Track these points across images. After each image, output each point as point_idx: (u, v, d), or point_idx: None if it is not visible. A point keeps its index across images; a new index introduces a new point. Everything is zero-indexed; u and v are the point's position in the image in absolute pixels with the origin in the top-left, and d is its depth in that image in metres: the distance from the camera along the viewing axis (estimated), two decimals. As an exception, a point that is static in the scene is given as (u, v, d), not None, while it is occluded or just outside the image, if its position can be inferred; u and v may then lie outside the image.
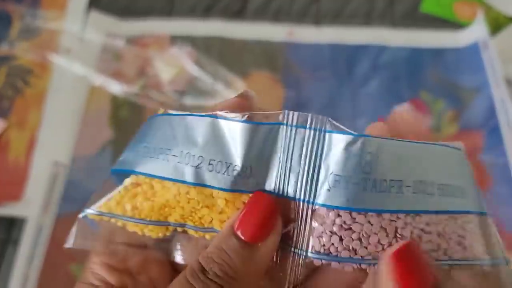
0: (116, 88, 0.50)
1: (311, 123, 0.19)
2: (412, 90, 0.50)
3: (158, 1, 0.56)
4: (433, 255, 0.18)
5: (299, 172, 0.18)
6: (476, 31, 0.52)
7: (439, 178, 0.18)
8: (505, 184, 0.44)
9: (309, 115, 0.19)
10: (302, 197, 0.18)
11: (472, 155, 0.46)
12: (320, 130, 0.18)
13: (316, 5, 0.56)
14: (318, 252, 0.18)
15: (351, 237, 0.18)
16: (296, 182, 0.18)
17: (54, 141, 0.47)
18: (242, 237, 0.18)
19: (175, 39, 0.53)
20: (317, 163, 0.18)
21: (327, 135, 0.18)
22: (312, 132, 0.18)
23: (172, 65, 0.51)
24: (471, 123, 0.48)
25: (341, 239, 0.18)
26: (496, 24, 0.53)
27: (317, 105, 0.50)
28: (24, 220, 0.43)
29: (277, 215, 0.18)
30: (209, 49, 0.52)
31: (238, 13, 0.55)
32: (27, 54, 0.52)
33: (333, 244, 0.18)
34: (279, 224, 0.18)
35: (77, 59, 0.52)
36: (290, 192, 0.18)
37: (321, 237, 0.18)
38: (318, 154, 0.18)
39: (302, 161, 0.18)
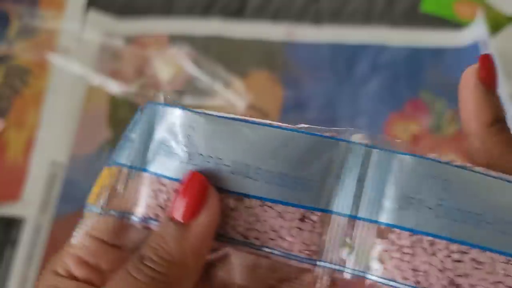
0: (114, 88, 0.50)
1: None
2: (412, 90, 0.50)
3: (157, 1, 0.56)
4: None
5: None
6: (476, 31, 0.52)
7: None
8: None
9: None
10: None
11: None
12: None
13: (316, 5, 0.56)
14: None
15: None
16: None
17: (53, 141, 0.47)
18: (175, 218, 0.18)
19: (173, 39, 0.53)
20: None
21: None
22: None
23: (170, 65, 0.51)
24: (471, 123, 0.48)
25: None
26: (496, 24, 0.53)
27: (317, 105, 0.50)
28: (22, 220, 0.43)
29: (207, 193, 0.18)
30: (208, 49, 0.52)
31: (237, 13, 0.55)
32: (25, 54, 0.52)
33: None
34: (212, 202, 0.18)
35: (75, 59, 0.52)
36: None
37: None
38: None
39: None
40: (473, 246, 0.17)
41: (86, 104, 0.50)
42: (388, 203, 0.17)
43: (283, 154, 0.18)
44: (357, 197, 0.18)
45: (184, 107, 0.19)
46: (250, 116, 0.19)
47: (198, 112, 0.19)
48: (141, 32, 0.54)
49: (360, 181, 0.18)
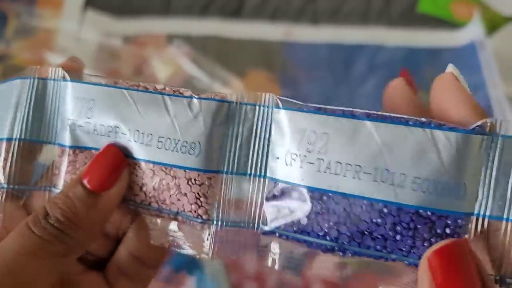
0: (112, 87, 0.50)
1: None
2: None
3: (155, 0, 0.56)
4: None
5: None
6: (472, 31, 0.52)
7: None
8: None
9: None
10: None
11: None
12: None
13: (313, 5, 0.56)
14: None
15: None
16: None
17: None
18: (88, 186, 0.18)
19: (171, 38, 0.53)
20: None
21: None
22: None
23: (168, 64, 0.51)
24: (467, 122, 0.48)
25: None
26: (493, 24, 0.53)
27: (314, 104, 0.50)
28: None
29: (122, 168, 0.19)
30: (206, 48, 0.52)
31: (235, 12, 0.55)
32: (23, 53, 0.52)
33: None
34: (124, 177, 0.19)
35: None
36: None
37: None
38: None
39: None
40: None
41: (84, 103, 0.50)
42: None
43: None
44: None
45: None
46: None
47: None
48: (139, 31, 0.54)
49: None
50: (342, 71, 0.52)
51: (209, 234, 0.19)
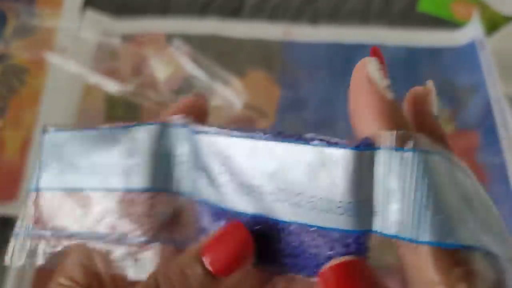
0: (112, 87, 0.50)
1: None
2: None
3: (154, 0, 0.56)
4: None
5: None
6: (472, 31, 0.52)
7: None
8: (501, 183, 0.44)
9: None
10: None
11: (468, 154, 0.46)
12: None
13: (313, 4, 0.56)
14: None
15: None
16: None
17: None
18: (209, 267, 0.16)
19: (171, 38, 0.53)
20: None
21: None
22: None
23: (168, 64, 0.51)
24: (467, 122, 0.48)
25: None
26: (493, 24, 0.53)
27: (314, 104, 0.50)
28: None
29: (250, 252, 0.17)
30: (205, 48, 0.52)
31: (234, 12, 0.55)
32: (22, 53, 0.52)
33: None
34: (249, 261, 0.17)
35: (72, 57, 0.51)
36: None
37: None
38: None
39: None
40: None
41: (83, 103, 0.49)
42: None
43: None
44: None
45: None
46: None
47: None
48: (139, 31, 0.54)
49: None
50: (341, 70, 0.52)
51: None
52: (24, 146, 0.47)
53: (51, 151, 0.22)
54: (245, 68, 0.51)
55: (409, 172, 0.15)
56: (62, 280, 0.20)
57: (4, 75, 0.51)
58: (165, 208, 0.19)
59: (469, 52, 0.52)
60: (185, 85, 0.50)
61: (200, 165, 0.19)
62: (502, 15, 0.54)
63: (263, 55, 0.52)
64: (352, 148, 0.16)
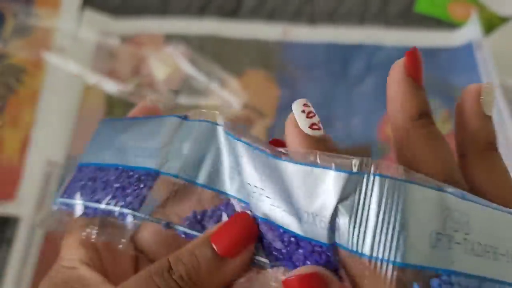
0: (110, 87, 0.50)
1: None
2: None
3: (153, 0, 0.56)
4: None
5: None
6: (470, 31, 0.52)
7: None
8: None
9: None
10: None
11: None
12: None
13: (311, 5, 0.56)
14: None
15: None
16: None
17: (48, 140, 0.47)
18: (216, 248, 0.18)
19: (169, 38, 0.53)
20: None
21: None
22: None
23: (166, 64, 0.51)
24: (464, 122, 0.48)
25: None
26: (490, 24, 0.54)
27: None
28: (17, 219, 0.43)
29: (253, 238, 0.19)
30: (204, 48, 0.52)
31: (232, 12, 0.55)
32: (20, 53, 0.52)
33: None
34: (252, 247, 0.19)
35: (71, 57, 0.51)
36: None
37: None
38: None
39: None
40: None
41: (81, 103, 0.50)
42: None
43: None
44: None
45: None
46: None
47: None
48: (137, 31, 0.54)
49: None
50: (339, 71, 0.52)
51: None
52: (23, 146, 0.47)
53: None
54: (244, 68, 0.52)
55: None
56: (65, 262, 0.21)
57: (2, 75, 0.51)
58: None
59: (466, 53, 0.52)
60: (184, 85, 0.50)
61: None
62: (498, 16, 0.54)
63: (261, 56, 0.53)
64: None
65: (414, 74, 0.20)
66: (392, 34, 0.54)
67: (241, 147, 0.19)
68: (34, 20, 0.54)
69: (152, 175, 0.21)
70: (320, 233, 0.17)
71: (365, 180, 0.16)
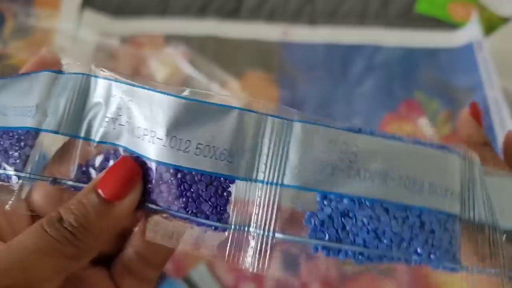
0: (110, 87, 0.50)
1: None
2: (407, 90, 0.50)
3: (152, 0, 0.56)
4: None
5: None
6: (470, 32, 0.52)
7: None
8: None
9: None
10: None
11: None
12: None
13: (311, 5, 0.56)
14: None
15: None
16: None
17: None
18: (101, 194, 0.19)
19: (169, 39, 0.53)
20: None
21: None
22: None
23: (166, 65, 0.51)
24: (465, 123, 0.48)
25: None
26: (490, 25, 0.54)
27: (312, 104, 0.50)
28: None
29: (137, 179, 0.19)
30: (204, 49, 0.52)
31: (233, 13, 0.55)
32: (20, 53, 0.52)
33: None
34: (138, 188, 0.19)
35: (71, 58, 0.51)
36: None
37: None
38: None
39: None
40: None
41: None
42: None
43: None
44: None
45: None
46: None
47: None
48: (137, 32, 0.54)
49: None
50: (339, 71, 0.52)
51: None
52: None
53: None
54: (244, 68, 0.52)
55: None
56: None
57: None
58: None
59: (466, 53, 0.52)
60: (183, 85, 0.50)
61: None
62: (498, 16, 0.54)
63: (261, 56, 0.53)
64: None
65: (475, 117, 0.26)
66: (392, 34, 0.54)
67: (115, 89, 0.20)
68: (34, 21, 0.54)
69: (32, 133, 0.21)
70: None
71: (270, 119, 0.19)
